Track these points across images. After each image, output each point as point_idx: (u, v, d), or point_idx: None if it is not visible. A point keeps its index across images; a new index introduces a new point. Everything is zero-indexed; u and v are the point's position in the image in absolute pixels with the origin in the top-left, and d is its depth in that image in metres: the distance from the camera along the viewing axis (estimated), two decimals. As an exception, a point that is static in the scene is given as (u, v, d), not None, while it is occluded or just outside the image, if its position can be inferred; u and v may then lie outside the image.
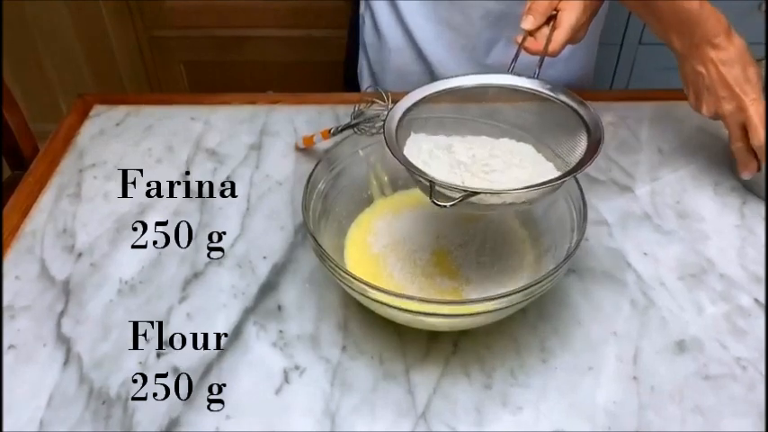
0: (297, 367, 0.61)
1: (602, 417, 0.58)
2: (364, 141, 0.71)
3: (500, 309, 0.56)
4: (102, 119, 0.91)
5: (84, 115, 0.92)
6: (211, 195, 0.79)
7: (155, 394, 0.59)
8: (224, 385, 0.60)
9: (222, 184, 0.80)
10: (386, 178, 0.73)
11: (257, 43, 1.68)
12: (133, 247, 0.73)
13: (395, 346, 0.63)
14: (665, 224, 0.75)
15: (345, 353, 0.62)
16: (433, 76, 0.98)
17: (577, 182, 0.64)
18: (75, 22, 1.67)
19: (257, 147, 0.86)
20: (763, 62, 0.79)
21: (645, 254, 0.72)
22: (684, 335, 0.64)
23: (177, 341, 0.63)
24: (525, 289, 0.55)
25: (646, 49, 1.72)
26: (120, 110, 0.92)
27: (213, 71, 1.72)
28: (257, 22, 1.65)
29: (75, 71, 1.74)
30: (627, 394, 0.59)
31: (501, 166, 0.59)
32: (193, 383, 0.60)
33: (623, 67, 1.72)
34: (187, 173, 0.82)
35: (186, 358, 0.62)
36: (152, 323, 0.65)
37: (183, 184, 0.80)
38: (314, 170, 0.65)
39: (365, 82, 1.05)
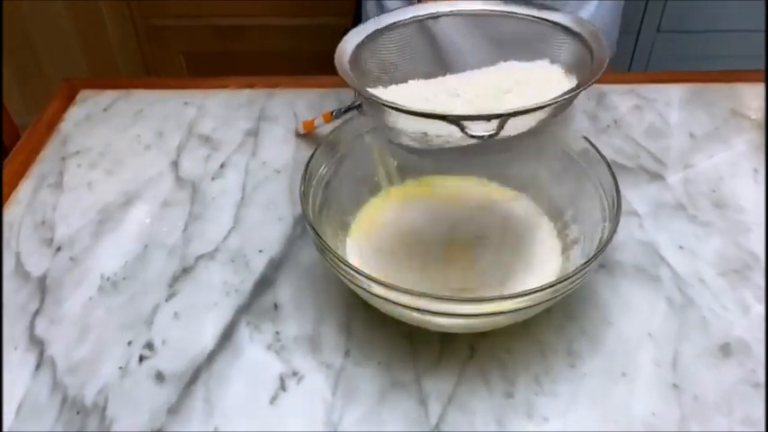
0: (294, 373, 0.55)
1: (639, 429, 0.51)
2: (370, 124, 0.65)
3: (524, 308, 0.49)
4: (89, 104, 0.85)
5: (69, 101, 0.85)
6: (203, 184, 0.72)
7: (136, 403, 0.53)
8: (213, 393, 0.53)
9: (215, 173, 0.74)
10: (394, 164, 0.66)
11: (258, 32, 1.62)
12: (117, 240, 0.66)
13: (404, 351, 0.56)
14: (701, 215, 0.68)
15: (349, 358, 0.56)
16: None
17: (608, 165, 0.57)
18: (71, 12, 1.61)
19: (254, 133, 0.79)
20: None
21: (680, 247, 0.65)
22: (729, 337, 0.57)
23: (162, 343, 0.57)
24: (553, 286, 0.48)
25: (664, 37, 1.65)
26: (109, 95, 0.86)
27: (213, 61, 1.66)
28: (258, 11, 1.59)
29: (70, 62, 1.67)
30: (667, 404, 0.53)
31: (513, 85, 0.51)
32: (179, 391, 0.54)
33: (640, 56, 1.65)
34: (178, 160, 0.75)
35: (172, 363, 0.56)
36: (135, 323, 0.58)
37: (173, 173, 0.74)
38: (313, 154, 0.59)
39: None
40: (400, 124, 0.47)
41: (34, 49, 1.67)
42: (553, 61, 0.53)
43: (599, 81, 0.87)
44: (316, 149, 0.59)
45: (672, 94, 0.84)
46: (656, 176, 0.73)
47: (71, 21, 1.61)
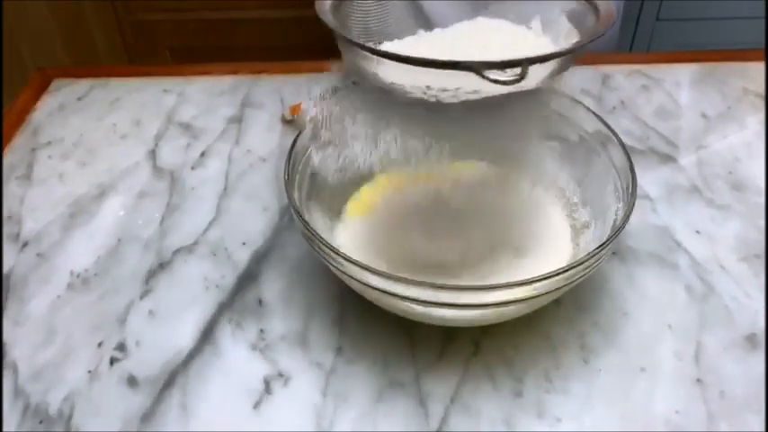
0: (281, 375, 0.50)
1: (662, 429, 0.46)
2: (362, 104, 0.60)
3: (534, 296, 0.44)
4: (64, 93, 0.80)
5: (41, 90, 0.80)
6: (183, 174, 0.67)
7: (105, 410, 0.48)
8: (191, 398, 0.48)
9: (196, 162, 0.69)
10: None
11: (248, 26, 1.57)
12: (88, 234, 0.61)
13: (402, 348, 0.51)
14: (717, 197, 0.64)
15: (341, 356, 0.51)
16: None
17: (620, 141, 0.52)
18: (51, 8, 1.56)
19: (238, 120, 0.74)
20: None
21: (697, 232, 0.60)
22: (755, 327, 0.52)
23: (135, 345, 0.52)
24: (567, 270, 0.43)
25: (663, 26, 1.61)
26: (84, 83, 0.81)
27: (201, 56, 1.60)
28: (248, 3, 1.53)
29: (50, 58, 1.61)
30: (691, 401, 0.48)
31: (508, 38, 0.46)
32: (153, 396, 0.49)
33: (640, 44, 1.60)
34: (156, 150, 0.70)
35: (145, 366, 0.51)
36: (106, 323, 0.53)
37: (151, 162, 0.69)
38: (298, 137, 0.54)
39: None
40: (398, 78, 0.42)
41: (16, 48, 1.62)
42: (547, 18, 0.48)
43: (602, 61, 0.83)
44: (300, 132, 0.54)
45: (680, 74, 0.80)
46: (668, 158, 0.68)
47: (52, 16, 1.56)
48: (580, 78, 0.78)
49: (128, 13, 1.57)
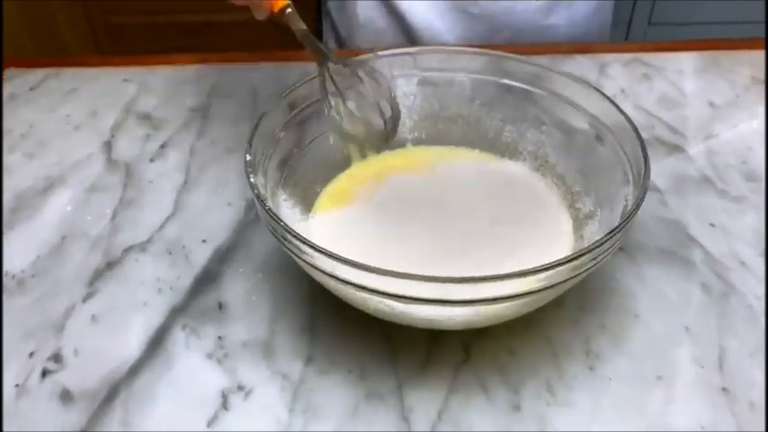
0: (241, 387, 0.43)
1: (685, 448, 0.40)
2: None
3: (534, 292, 0.37)
4: (15, 84, 0.73)
5: (-9, 80, 0.73)
6: (140, 167, 0.61)
7: (33, 429, 0.41)
8: (134, 415, 0.41)
9: (155, 153, 0.62)
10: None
11: (225, 29, 1.50)
12: (29, 231, 0.54)
13: (382, 354, 0.44)
14: (731, 189, 0.58)
15: (311, 365, 0.44)
16: (408, 36, 0.82)
17: (628, 119, 0.46)
18: (20, 12, 1.49)
19: (203, 109, 0.68)
20: None
21: (711, 225, 0.54)
22: (783, 329, 0.46)
23: (73, 354, 0.45)
24: (573, 260, 0.36)
25: (655, 30, 1.57)
26: (39, 73, 0.74)
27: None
28: (224, 5, 1.47)
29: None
30: (718, 413, 0.41)
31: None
32: (90, 413, 0.41)
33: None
34: (111, 141, 0.64)
35: (83, 378, 0.43)
36: (41, 330, 0.46)
37: (105, 154, 0.62)
38: (262, 117, 0.47)
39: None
40: None
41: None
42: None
43: (598, 50, 0.77)
44: (264, 113, 0.48)
45: (683, 63, 0.74)
46: (675, 148, 0.62)
47: (20, 19, 1.49)
48: (576, 67, 0.72)
49: (102, 16, 1.51)
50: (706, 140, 0.63)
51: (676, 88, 0.70)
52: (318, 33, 0.92)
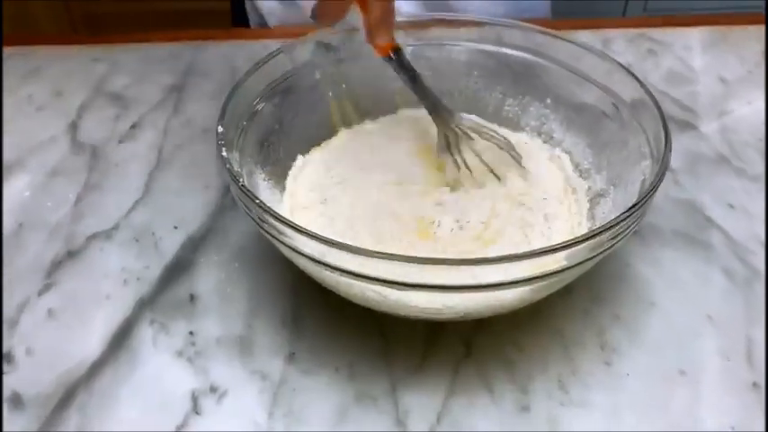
0: (214, 389, 0.38)
1: (715, 451, 0.35)
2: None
3: (546, 275, 0.33)
4: (-24, 64, 0.68)
5: (-51, 61, 0.68)
6: (107, 149, 0.56)
7: (-25, 441, 0.36)
8: (92, 421, 0.36)
9: (124, 134, 0.57)
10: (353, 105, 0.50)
11: (209, 18, 1.45)
12: (-18, 218, 0.49)
13: (374, 351, 0.40)
14: (749, 167, 0.53)
15: (294, 364, 0.39)
16: None
17: (645, 88, 0.42)
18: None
19: (178, 88, 0.62)
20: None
21: (730, 206, 0.50)
22: (816, 317, 0.42)
23: (26, 353, 0.40)
24: (590, 238, 0.32)
25: (655, 6, 1.52)
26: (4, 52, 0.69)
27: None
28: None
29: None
30: (749, 411, 0.37)
31: None
32: (42, 420, 0.36)
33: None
34: (78, 122, 0.59)
35: (36, 380, 0.38)
36: (-10, 327, 0.41)
37: (70, 136, 0.57)
38: (236, 86, 0.42)
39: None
40: None
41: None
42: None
43: (600, 26, 0.73)
44: (237, 82, 0.43)
45: (691, 38, 0.70)
46: (687, 125, 0.58)
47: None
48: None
49: (79, 3, 1.45)
50: (720, 117, 0.59)
51: (684, 64, 0.66)
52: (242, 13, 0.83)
